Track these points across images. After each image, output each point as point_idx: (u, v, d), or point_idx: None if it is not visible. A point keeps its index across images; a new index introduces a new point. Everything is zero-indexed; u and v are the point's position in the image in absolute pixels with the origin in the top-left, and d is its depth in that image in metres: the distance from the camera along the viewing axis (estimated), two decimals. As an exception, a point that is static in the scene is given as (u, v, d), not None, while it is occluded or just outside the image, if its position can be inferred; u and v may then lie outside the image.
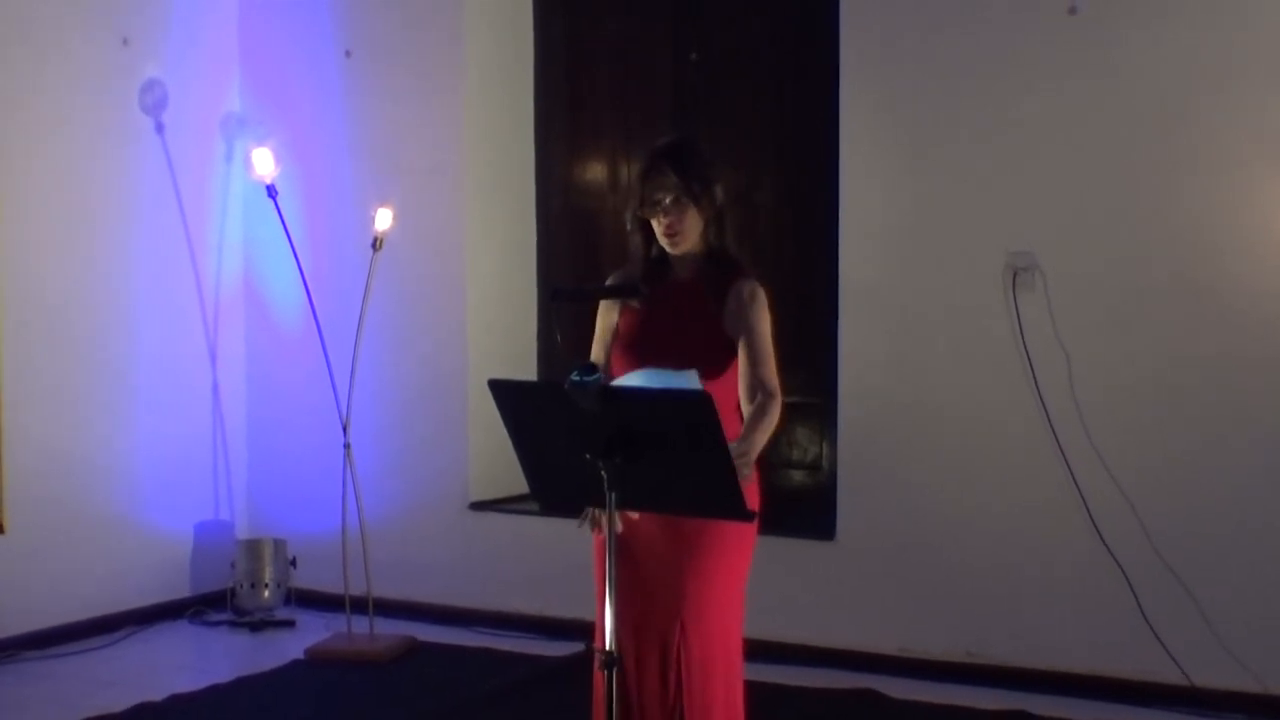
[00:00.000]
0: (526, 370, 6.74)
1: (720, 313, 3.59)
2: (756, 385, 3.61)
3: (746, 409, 3.61)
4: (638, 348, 3.61)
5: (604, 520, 3.37)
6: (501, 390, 3.26)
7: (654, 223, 3.57)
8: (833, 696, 5.43)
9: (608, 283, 3.71)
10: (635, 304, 3.65)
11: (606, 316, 3.75)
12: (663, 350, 3.55)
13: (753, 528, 3.61)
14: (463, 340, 6.58)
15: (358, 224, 6.47)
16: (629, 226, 3.68)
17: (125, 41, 6.45)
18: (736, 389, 3.64)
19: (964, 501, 5.64)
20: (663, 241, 3.58)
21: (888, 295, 5.77)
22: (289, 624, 6.53)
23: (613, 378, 3.59)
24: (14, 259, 6.03)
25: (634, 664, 3.54)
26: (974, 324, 5.61)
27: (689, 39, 6.54)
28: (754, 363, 3.60)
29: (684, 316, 3.60)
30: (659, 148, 3.64)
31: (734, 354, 3.62)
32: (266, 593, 6.59)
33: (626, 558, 3.52)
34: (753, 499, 3.57)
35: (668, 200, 3.54)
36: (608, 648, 3.17)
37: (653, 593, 3.52)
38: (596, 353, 3.75)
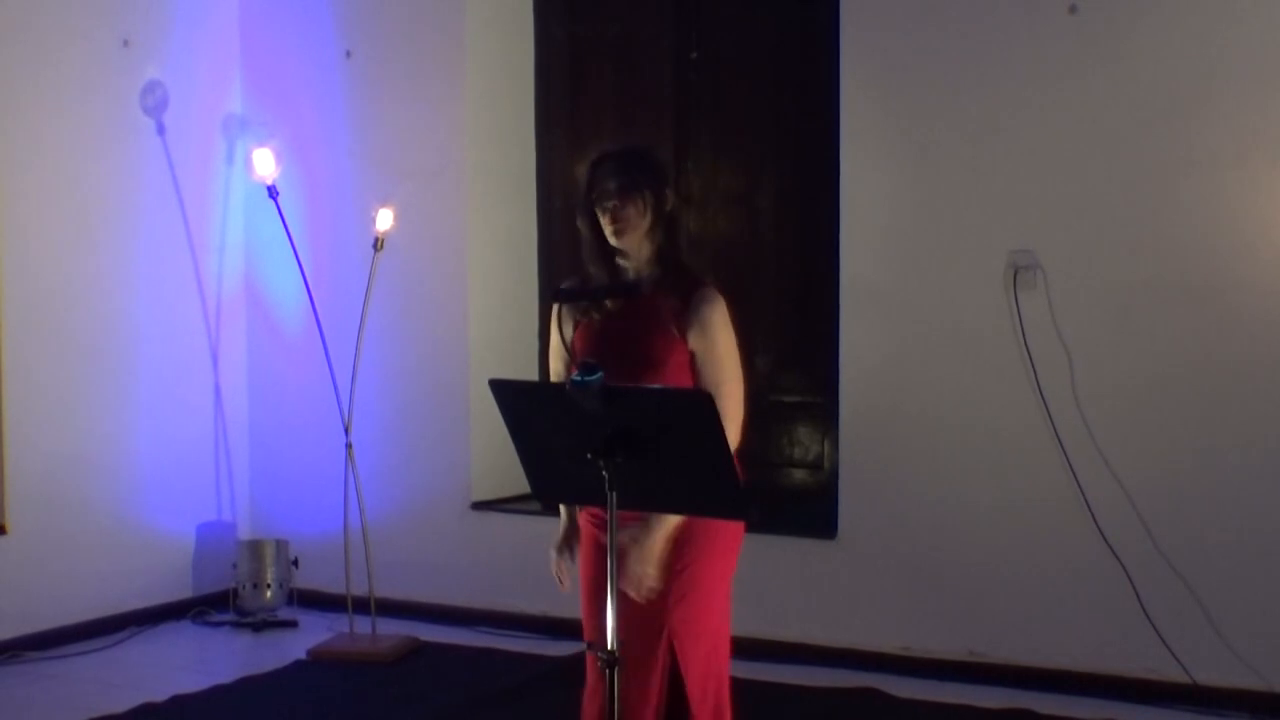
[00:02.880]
0: (528, 370, 6.74)
1: (681, 322, 3.52)
2: None
3: None
4: (599, 360, 3.56)
5: (563, 573, 3.58)
6: (502, 390, 3.26)
7: (599, 214, 3.55)
8: (835, 696, 5.43)
9: (562, 287, 3.69)
10: (594, 315, 3.61)
11: (560, 332, 3.68)
12: (624, 362, 3.48)
13: (734, 534, 3.59)
14: (464, 340, 6.58)
15: (359, 224, 6.47)
16: (579, 224, 3.63)
17: (126, 43, 6.45)
18: None
19: (966, 500, 5.64)
20: (609, 236, 3.55)
21: (889, 294, 5.77)
22: (291, 624, 6.53)
23: None
24: (16, 261, 6.03)
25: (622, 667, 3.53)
26: (975, 323, 5.61)
27: (689, 38, 6.54)
28: (709, 386, 3.49)
29: (639, 332, 3.54)
30: (607, 149, 3.63)
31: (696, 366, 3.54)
32: (269, 593, 6.60)
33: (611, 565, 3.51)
34: None
35: (612, 186, 3.52)
36: (609, 647, 3.17)
37: (638, 605, 3.50)
38: (556, 366, 3.70)
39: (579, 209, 3.62)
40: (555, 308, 3.73)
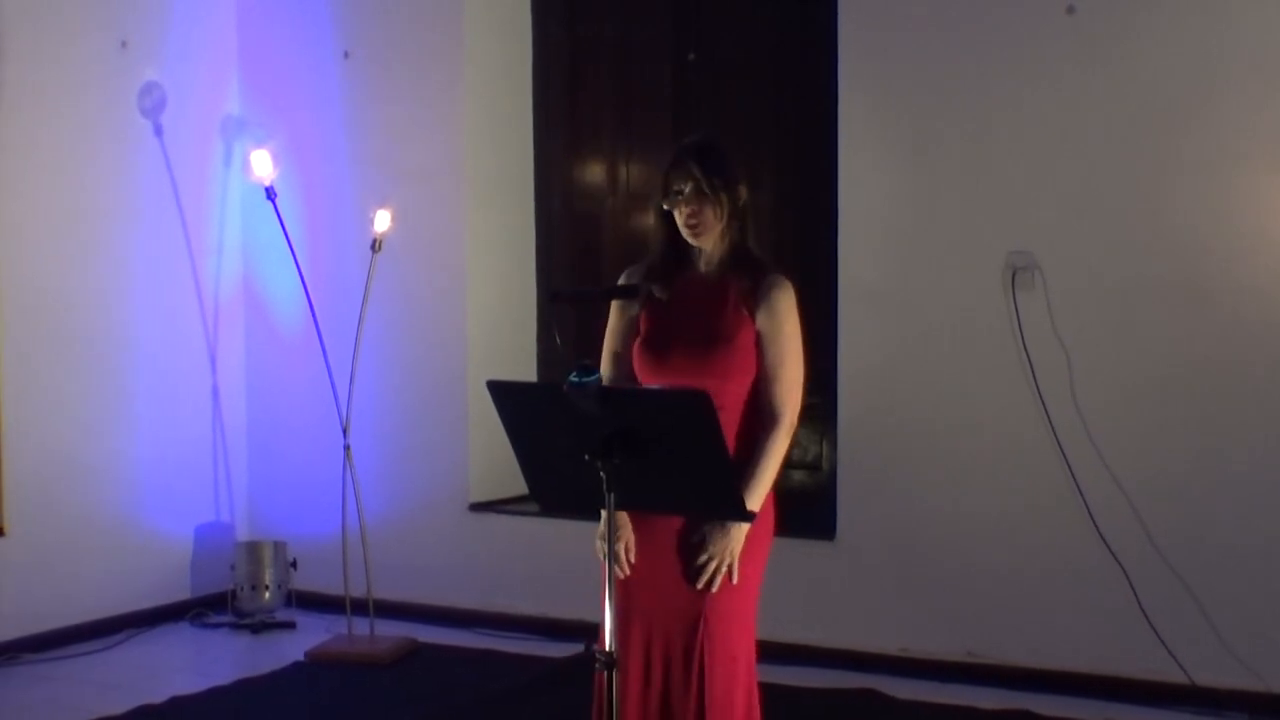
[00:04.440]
0: (526, 371, 6.74)
1: (750, 303, 3.56)
2: (764, 407, 3.55)
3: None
4: (660, 343, 3.57)
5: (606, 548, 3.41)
6: (500, 391, 3.25)
7: (675, 214, 3.58)
8: (834, 697, 5.43)
9: (621, 279, 3.70)
10: (659, 297, 3.63)
11: (624, 312, 3.70)
12: (693, 337, 3.52)
13: (769, 531, 3.60)
14: (462, 342, 6.58)
15: (357, 226, 6.47)
16: (653, 219, 3.68)
17: (124, 44, 6.45)
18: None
19: (964, 501, 5.64)
20: (684, 233, 3.58)
21: (887, 295, 5.77)
22: (289, 626, 6.53)
23: (633, 376, 3.58)
24: (13, 263, 6.03)
25: (657, 665, 3.52)
26: (974, 323, 5.61)
27: (688, 39, 6.54)
28: (769, 376, 3.55)
29: (708, 311, 3.57)
30: (686, 143, 3.66)
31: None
32: (267, 595, 6.59)
33: (647, 561, 3.51)
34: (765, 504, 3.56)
35: (688, 190, 3.55)
36: (607, 648, 3.16)
37: (673, 595, 3.50)
38: (613, 346, 3.70)
39: (654, 204, 3.65)
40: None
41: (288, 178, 6.54)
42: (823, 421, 6.23)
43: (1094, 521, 5.39)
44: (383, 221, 6.20)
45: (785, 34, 6.39)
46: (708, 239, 3.58)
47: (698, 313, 3.57)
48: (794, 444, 6.27)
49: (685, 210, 3.55)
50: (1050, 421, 5.45)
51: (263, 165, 6.15)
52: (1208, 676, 5.24)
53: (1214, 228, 5.25)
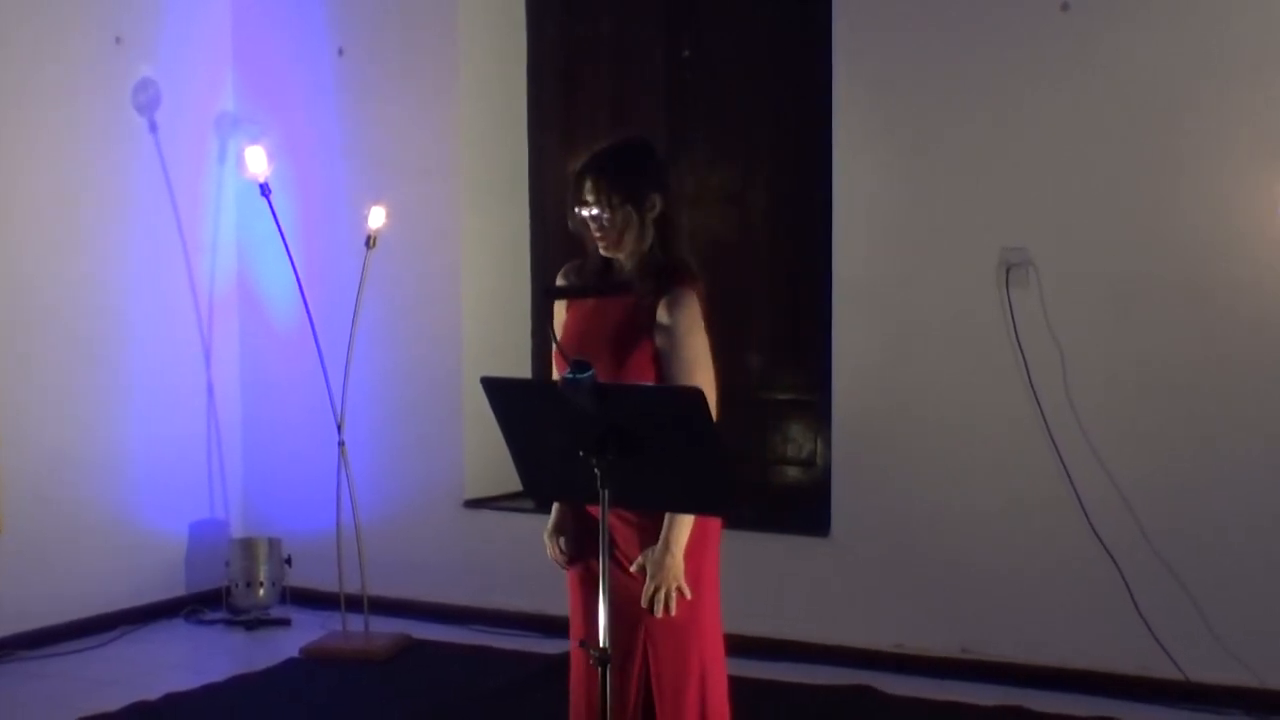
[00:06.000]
0: (521, 368, 6.74)
1: (648, 323, 3.47)
2: None
3: None
4: (572, 347, 3.49)
5: (560, 554, 3.60)
6: (494, 388, 3.25)
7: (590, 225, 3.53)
8: (828, 693, 5.43)
9: (559, 275, 3.68)
10: (582, 301, 3.58)
11: (559, 315, 3.67)
12: (586, 349, 3.43)
13: (713, 543, 3.56)
14: (457, 338, 6.58)
15: (351, 222, 6.46)
16: (570, 225, 3.59)
17: (118, 40, 6.44)
18: None
19: (959, 497, 5.64)
20: (599, 245, 3.53)
21: (882, 292, 5.77)
22: (284, 623, 6.52)
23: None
24: (7, 259, 6.03)
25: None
26: (968, 320, 5.62)
27: (682, 37, 6.54)
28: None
29: (612, 319, 3.50)
30: (595, 152, 3.56)
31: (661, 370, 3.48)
32: (262, 591, 6.59)
33: (591, 566, 3.48)
34: None
35: (591, 202, 3.48)
36: (602, 644, 3.17)
37: (617, 602, 3.47)
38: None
39: (569, 213, 3.57)
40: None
41: (282, 174, 6.54)
42: (817, 418, 6.23)
43: (1088, 517, 5.39)
44: (377, 218, 6.20)
45: (781, 31, 6.39)
46: (620, 249, 3.50)
47: (599, 325, 3.52)
48: (788, 440, 6.37)
49: (593, 225, 3.49)
50: (1044, 418, 5.46)
51: (257, 161, 6.15)
52: (1202, 672, 5.24)
53: (1209, 224, 5.25)
